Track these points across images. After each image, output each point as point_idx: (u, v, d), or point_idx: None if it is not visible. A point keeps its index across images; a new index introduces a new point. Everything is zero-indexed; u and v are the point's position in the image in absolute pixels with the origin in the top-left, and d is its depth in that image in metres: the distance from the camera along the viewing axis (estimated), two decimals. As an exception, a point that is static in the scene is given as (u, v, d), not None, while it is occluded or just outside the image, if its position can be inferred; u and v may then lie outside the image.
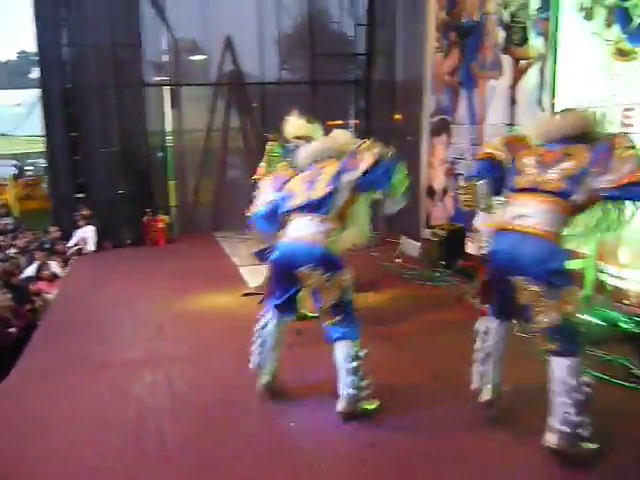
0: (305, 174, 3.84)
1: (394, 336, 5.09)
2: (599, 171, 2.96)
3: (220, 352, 4.88)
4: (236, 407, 3.92)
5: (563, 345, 3.03)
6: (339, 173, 3.68)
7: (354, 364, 3.60)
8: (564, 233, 3.09)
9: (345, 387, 3.62)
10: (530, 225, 3.06)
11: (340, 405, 3.63)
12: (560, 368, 3.03)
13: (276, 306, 3.85)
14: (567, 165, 3.07)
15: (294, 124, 5.41)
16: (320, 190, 3.66)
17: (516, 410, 3.63)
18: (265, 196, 3.96)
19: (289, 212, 3.75)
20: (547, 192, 3.08)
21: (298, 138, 5.22)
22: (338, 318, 3.63)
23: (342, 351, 3.64)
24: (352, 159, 3.71)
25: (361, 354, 3.64)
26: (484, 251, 3.41)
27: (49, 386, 4.40)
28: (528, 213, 3.09)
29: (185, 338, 5.28)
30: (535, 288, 3.03)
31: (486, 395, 3.54)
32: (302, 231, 3.64)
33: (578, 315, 3.12)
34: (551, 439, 3.05)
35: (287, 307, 3.87)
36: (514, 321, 3.62)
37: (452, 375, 4.24)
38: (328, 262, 3.58)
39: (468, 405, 3.71)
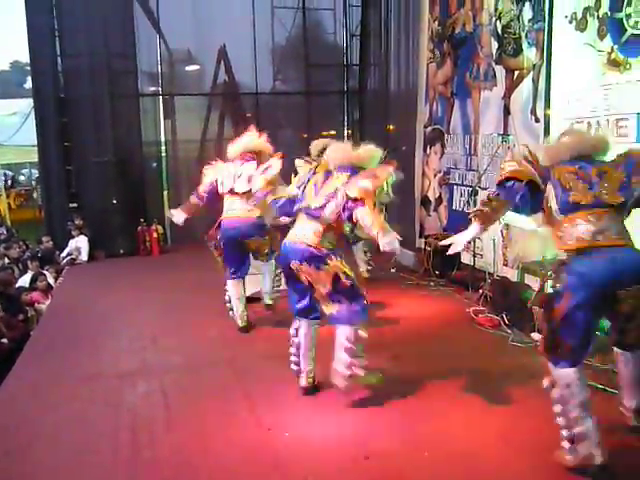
0: (318, 178, 4.03)
1: (386, 343, 5.09)
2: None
3: (215, 362, 4.86)
4: (231, 417, 3.89)
5: None
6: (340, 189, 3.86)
7: (348, 345, 3.86)
8: None
9: (338, 363, 3.90)
10: (615, 238, 3.05)
11: (334, 379, 3.93)
12: None
13: (299, 311, 4.11)
14: (611, 180, 3.14)
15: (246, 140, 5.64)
16: (320, 200, 3.90)
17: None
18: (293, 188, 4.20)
19: (296, 211, 4.06)
20: (609, 205, 3.10)
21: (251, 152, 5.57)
22: (335, 305, 3.88)
23: (340, 332, 3.91)
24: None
25: (362, 334, 3.90)
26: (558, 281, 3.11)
27: (41, 398, 4.36)
28: (605, 227, 3.06)
29: (179, 348, 5.24)
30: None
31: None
32: (299, 233, 3.95)
33: None
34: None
35: (309, 309, 4.07)
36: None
37: (448, 377, 4.24)
38: (312, 257, 3.84)
39: (467, 411, 3.70)
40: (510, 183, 3.25)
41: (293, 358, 4.17)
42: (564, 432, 3.06)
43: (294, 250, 3.92)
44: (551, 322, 3.07)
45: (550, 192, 3.20)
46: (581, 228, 3.07)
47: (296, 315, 4.12)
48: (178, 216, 5.84)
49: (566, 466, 3.07)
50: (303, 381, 4.12)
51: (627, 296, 3.00)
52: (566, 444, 3.08)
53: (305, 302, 4.03)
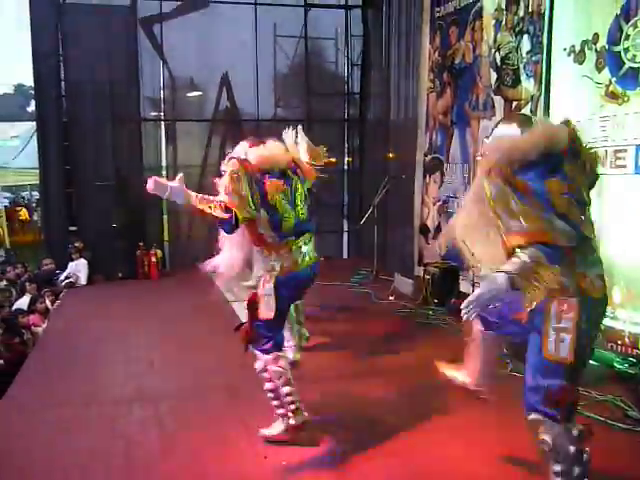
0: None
1: (385, 372, 5.06)
2: None
3: (212, 389, 4.82)
4: (227, 446, 3.85)
5: None
6: None
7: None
8: None
9: None
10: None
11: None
12: None
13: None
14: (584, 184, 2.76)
15: None
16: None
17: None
18: None
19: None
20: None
21: None
22: None
23: None
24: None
25: None
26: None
27: (34, 423, 4.31)
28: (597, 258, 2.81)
29: (176, 374, 5.21)
30: None
31: None
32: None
33: None
34: None
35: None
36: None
37: (445, 407, 4.22)
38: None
39: (465, 440, 3.66)
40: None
41: (290, 398, 3.70)
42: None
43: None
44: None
45: None
46: (595, 269, 2.68)
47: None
48: None
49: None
50: (301, 419, 3.74)
51: None
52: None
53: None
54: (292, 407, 3.67)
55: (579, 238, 2.59)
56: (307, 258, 3.70)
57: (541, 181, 2.59)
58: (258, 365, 3.71)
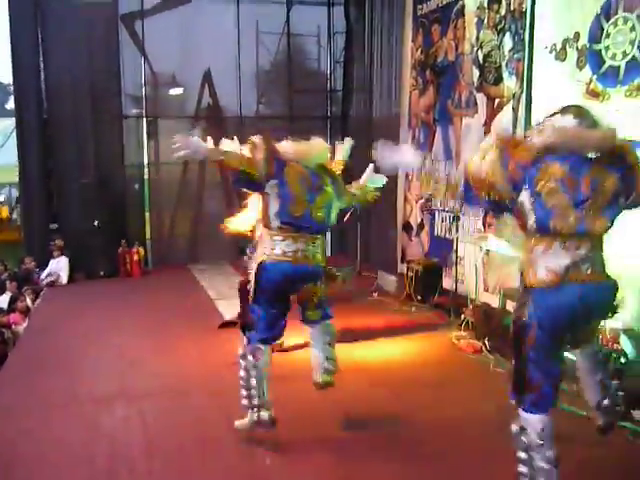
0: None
1: (368, 368, 5.07)
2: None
3: (195, 386, 4.80)
4: (211, 444, 3.84)
5: None
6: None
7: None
8: None
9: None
10: (590, 274, 2.68)
11: (318, 376, 3.88)
12: None
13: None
14: (604, 192, 2.67)
15: None
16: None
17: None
18: None
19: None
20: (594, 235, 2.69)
21: None
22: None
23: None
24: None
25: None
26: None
27: (16, 422, 4.27)
28: (582, 259, 2.67)
29: (159, 372, 5.18)
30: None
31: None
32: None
33: None
34: None
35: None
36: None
37: (428, 402, 4.23)
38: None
39: (448, 437, 3.68)
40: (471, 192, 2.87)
41: (254, 392, 3.70)
42: None
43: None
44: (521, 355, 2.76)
45: (526, 200, 2.71)
46: (553, 259, 2.66)
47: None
48: None
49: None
50: (266, 415, 3.69)
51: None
52: None
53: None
54: (255, 402, 3.69)
55: (543, 226, 2.66)
56: (300, 254, 3.66)
57: (547, 163, 2.67)
58: (240, 350, 3.76)
